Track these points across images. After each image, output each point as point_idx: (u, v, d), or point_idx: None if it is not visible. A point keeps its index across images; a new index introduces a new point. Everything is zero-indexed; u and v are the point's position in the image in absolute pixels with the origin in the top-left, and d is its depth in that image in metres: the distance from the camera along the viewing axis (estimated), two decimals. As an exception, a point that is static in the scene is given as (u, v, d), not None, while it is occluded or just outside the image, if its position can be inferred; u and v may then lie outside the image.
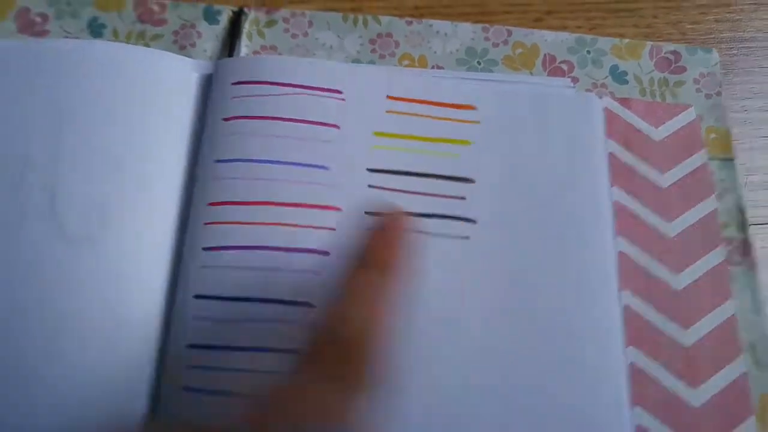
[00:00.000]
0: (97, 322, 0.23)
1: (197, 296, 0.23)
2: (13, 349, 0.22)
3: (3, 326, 0.23)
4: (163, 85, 0.26)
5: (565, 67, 0.30)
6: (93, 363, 0.22)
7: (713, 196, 0.28)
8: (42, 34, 0.28)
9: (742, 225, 0.27)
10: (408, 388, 0.22)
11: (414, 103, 0.25)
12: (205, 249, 0.24)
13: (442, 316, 0.23)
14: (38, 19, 0.28)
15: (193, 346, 0.23)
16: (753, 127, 0.30)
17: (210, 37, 0.29)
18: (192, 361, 0.22)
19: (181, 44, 0.29)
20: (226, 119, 0.26)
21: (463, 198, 0.24)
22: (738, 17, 0.32)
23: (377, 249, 0.20)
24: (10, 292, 0.23)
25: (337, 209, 0.23)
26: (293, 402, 0.16)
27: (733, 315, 0.26)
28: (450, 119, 0.25)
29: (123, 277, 0.24)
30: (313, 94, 0.25)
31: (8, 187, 0.24)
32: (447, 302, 0.23)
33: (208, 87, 0.27)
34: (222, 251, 0.23)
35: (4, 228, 0.24)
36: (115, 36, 0.28)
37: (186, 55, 0.28)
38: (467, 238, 0.24)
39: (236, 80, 0.26)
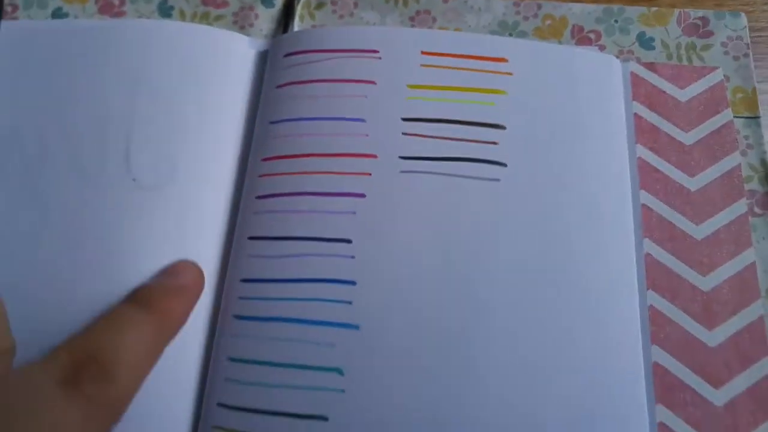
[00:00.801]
0: (163, 261, 0.26)
1: (251, 237, 0.26)
2: (86, 288, 0.26)
3: (78, 264, 0.26)
4: (225, 60, 0.30)
5: (592, 36, 0.31)
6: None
7: (737, 152, 0.29)
8: (119, 14, 0.32)
9: (765, 178, 0.28)
10: (441, 318, 0.24)
11: (448, 57, 0.28)
12: (258, 197, 0.27)
13: (473, 252, 0.25)
14: (116, 2, 0.32)
15: (246, 280, 0.26)
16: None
17: (266, 18, 0.32)
18: (246, 293, 0.25)
19: (241, 24, 0.32)
20: (278, 86, 0.29)
21: (495, 143, 0.26)
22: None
23: (154, 292, 0.23)
24: (86, 231, 0.27)
25: (374, 156, 0.26)
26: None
27: (752, 262, 0.27)
28: (484, 71, 0.28)
29: (187, 222, 0.27)
30: (352, 56, 0.28)
31: (91, 142, 0.28)
32: (478, 240, 0.25)
33: (263, 61, 0.30)
34: (273, 198, 0.27)
35: (85, 177, 0.27)
36: (182, 16, 0.32)
37: (245, 35, 0.31)
38: (498, 180, 0.26)
39: (287, 53, 0.29)
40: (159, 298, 0.23)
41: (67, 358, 0.19)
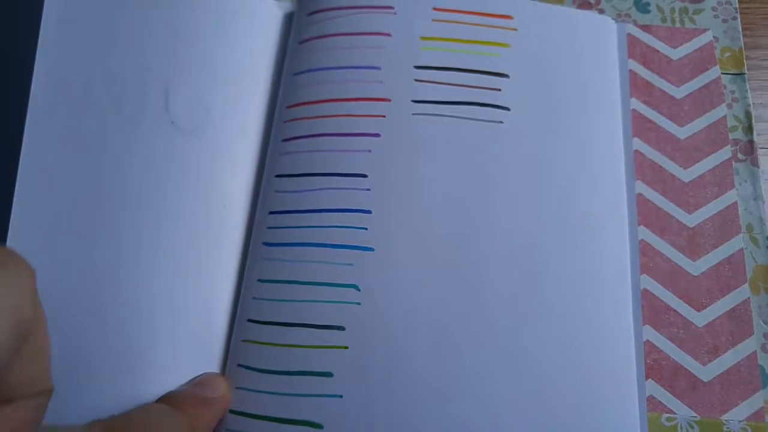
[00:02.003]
0: (196, 202, 0.29)
1: (278, 175, 0.29)
2: (130, 221, 0.29)
3: (122, 203, 0.29)
4: (255, 20, 0.33)
5: (592, 1, 0.34)
6: (192, 232, 0.29)
7: (723, 105, 0.31)
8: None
9: (749, 128, 0.31)
10: (446, 241, 0.27)
11: (458, 13, 0.30)
12: (284, 140, 0.30)
13: (477, 185, 0.28)
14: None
15: (273, 212, 0.28)
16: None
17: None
18: (274, 223, 0.28)
19: (269, -10, 0.35)
20: (301, 42, 0.32)
21: (498, 90, 0.29)
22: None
23: (185, 398, 0.24)
24: (128, 172, 0.29)
25: (387, 100, 0.29)
26: None
27: (734, 202, 0.29)
28: (490, 26, 0.30)
29: (221, 163, 0.30)
30: (369, 12, 0.30)
31: (133, 89, 0.31)
32: (482, 174, 0.28)
33: (289, 21, 0.33)
34: (297, 140, 0.29)
35: (127, 121, 0.30)
36: (216, -19, 0.35)
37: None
38: (501, 122, 0.29)
39: (310, 11, 0.32)
40: (190, 405, 0.24)
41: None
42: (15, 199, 0.30)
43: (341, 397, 0.25)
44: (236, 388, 0.26)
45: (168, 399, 0.24)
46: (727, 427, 0.25)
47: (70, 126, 0.30)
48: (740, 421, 0.25)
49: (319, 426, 0.24)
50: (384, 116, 0.29)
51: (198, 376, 0.26)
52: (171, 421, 0.22)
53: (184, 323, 0.27)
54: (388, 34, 0.30)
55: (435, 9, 0.30)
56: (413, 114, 0.29)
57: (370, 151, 0.28)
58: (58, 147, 0.30)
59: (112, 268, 0.28)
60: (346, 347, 0.25)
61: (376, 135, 0.28)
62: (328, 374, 0.25)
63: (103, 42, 0.31)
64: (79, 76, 0.31)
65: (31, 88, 0.31)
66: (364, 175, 0.28)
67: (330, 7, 0.31)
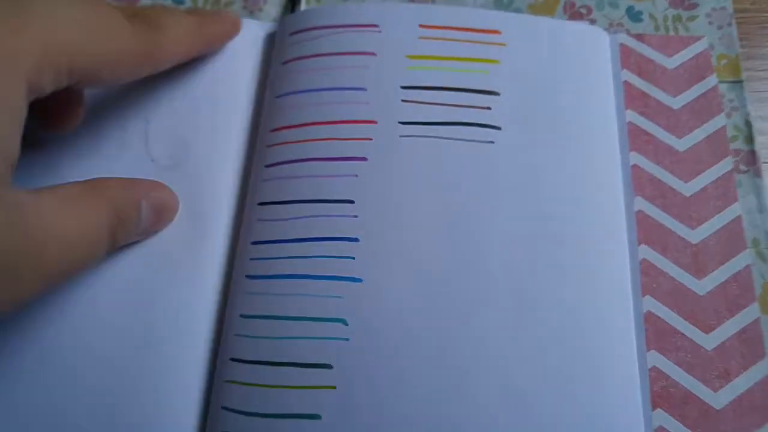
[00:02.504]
0: (179, 230, 0.28)
1: (261, 203, 0.28)
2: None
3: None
4: (236, 44, 0.32)
5: (584, 11, 0.33)
6: (171, 267, 0.27)
7: (722, 114, 0.30)
8: (132, 1, 0.34)
9: (750, 138, 0.29)
10: (438, 270, 0.26)
11: (444, 30, 0.29)
12: (267, 166, 0.28)
13: (469, 209, 0.26)
14: (132, -8, 0.34)
15: (256, 242, 0.27)
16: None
17: (274, 2, 0.34)
18: (256, 254, 0.27)
19: (250, 9, 0.34)
20: (284, 62, 0.30)
21: (489, 108, 0.28)
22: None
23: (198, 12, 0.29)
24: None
25: (373, 122, 0.28)
26: None
27: (738, 216, 0.28)
28: (478, 42, 0.29)
29: (201, 195, 0.29)
30: (353, 31, 0.29)
31: (112, 128, 0.30)
32: (474, 197, 0.26)
33: (271, 42, 0.32)
34: (281, 165, 0.28)
35: (105, 158, 0.29)
36: (194, 3, 0.34)
37: (254, 19, 0.33)
38: (492, 142, 0.27)
39: (292, 31, 0.31)
40: (203, 13, 0.29)
41: (129, 10, 0.25)
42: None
43: (331, 440, 0.23)
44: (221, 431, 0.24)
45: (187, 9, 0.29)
46: (743, 459, 0.24)
47: (45, 167, 0.29)
48: (756, 451, 0.24)
49: (309, 472, 0.23)
50: (370, 139, 0.27)
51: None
52: (183, 15, 0.27)
53: (161, 364, 0.26)
54: (373, 54, 0.29)
55: (421, 26, 0.29)
56: (401, 136, 0.27)
57: (356, 175, 0.27)
58: (33, 182, 0.29)
59: (93, 307, 0.27)
60: (334, 387, 0.24)
61: (363, 159, 0.27)
62: (316, 416, 0.24)
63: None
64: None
65: None
66: (351, 201, 0.27)
67: (313, 26, 0.30)
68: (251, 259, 0.27)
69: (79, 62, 0.21)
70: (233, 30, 0.30)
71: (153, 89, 0.30)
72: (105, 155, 0.29)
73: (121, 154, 0.29)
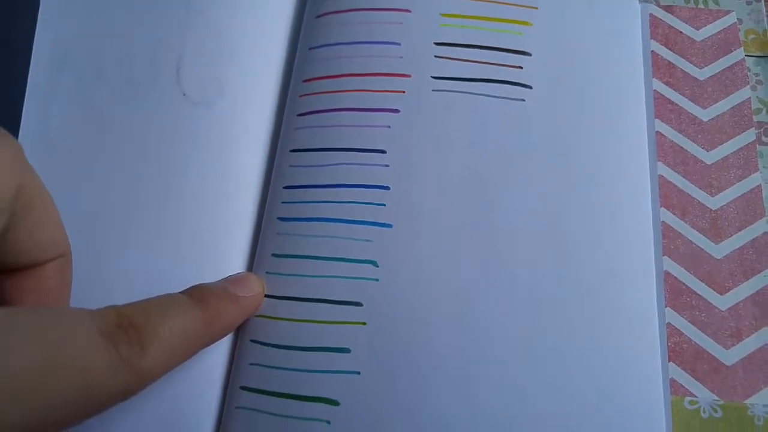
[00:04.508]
0: (210, 173, 0.29)
1: (293, 150, 0.29)
2: (142, 196, 0.28)
3: (132, 174, 0.29)
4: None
5: (615, -20, 0.33)
6: (202, 205, 0.28)
7: (747, 87, 0.30)
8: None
9: (773, 111, 0.30)
10: (464, 218, 0.26)
11: (479, -10, 0.30)
12: (299, 115, 0.29)
13: (497, 163, 0.27)
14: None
15: (288, 187, 0.28)
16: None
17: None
18: (288, 198, 0.28)
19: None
20: (318, 16, 0.31)
21: (520, 68, 0.28)
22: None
23: (212, 292, 0.23)
24: (139, 143, 0.29)
25: (407, 76, 0.28)
26: None
27: (758, 185, 0.29)
28: (512, 4, 0.30)
29: (233, 135, 0.29)
30: (391, -13, 0.30)
31: (144, 63, 0.30)
32: (502, 152, 0.27)
33: (303, -4, 0.32)
34: (314, 115, 0.29)
35: (138, 93, 0.30)
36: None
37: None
38: (523, 100, 0.28)
39: (327, -15, 0.32)
40: (216, 300, 0.23)
41: (113, 316, 0.19)
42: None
43: (359, 373, 0.24)
44: (249, 364, 0.25)
45: (194, 290, 0.23)
46: (752, 411, 0.25)
47: (78, 99, 0.30)
48: (765, 405, 0.25)
49: (336, 403, 0.24)
50: (403, 92, 0.28)
51: (233, 274, 0.26)
52: (188, 314, 0.22)
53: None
54: (408, 10, 0.29)
55: (457, -15, 0.30)
56: (433, 90, 0.28)
57: (389, 126, 0.28)
58: (64, 117, 0.30)
59: (122, 240, 0.28)
60: (364, 323, 0.25)
61: (396, 110, 0.28)
62: (346, 350, 0.24)
63: (113, 14, 0.31)
64: (86, 51, 0.30)
65: (32, 60, 0.31)
66: (383, 151, 0.27)
67: (348, -19, 0.31)
68: (283, 202, 0.28)
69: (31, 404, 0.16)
70: (255, 307, 0.26)
71: (185, 27, 0.30)
72: (135, 88, 0.30)
73: (153, 87, 0.30)
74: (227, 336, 0.26)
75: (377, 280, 0.25)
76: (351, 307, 0.25)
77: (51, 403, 0.17)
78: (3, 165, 0.18)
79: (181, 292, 0.23)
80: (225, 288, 0.24)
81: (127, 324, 0.19)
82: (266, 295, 0.26)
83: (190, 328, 0.21)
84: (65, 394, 0.17)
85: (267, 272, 0.27)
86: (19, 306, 0.21)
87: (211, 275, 0.27)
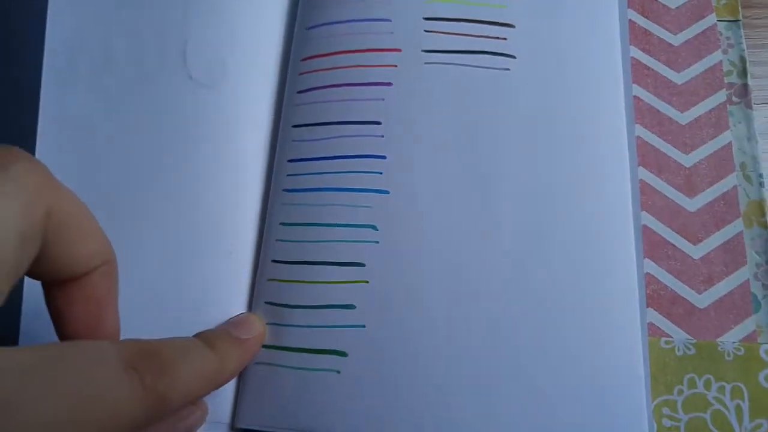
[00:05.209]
0: (216, 152, 0.31)
1: (294, 126, 0.31)
2: (149, 173, 0.30)
3: (142, 151, 0.31)
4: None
5: (594, -48, 0.35)
6: (212, 181, 0.30)
7: (719, 50, 0.32)
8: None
9: (744, 72, 0.32)
10: (457, 181, 0.28)
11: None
12: (299, 92, 0.31)
13: (485, 129, 0.29)
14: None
15: (292, 160, 0.30)
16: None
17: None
18: (292, 170, 0.30)
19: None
20: (313, -3, 0.33)
21: (504, 39, 0.30)
22: None
23: (218, 336, 0.24)
24: (148, 123, 0.31)
25: (398, 50, 0.30)
26: None
27: (729, 142, 0.31)
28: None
29: (240, 113, 0.31)
30: (381, -36, 0.31)
31: (151, 45, 0.32)
32: (490, 119, 0.29)
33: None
34: (312, 91, 0.31)
35: (146, 75, 0.32)
36: None
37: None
38: (508, 69, 0.30)
39: (320, -33, 0.33)
40: (222, 344, 0.24)
41: (136, 348, 0.20)
42: (36, 153, 0.31)
43: (364, 327, 0.27)
44: (266, 324, 0.28)
45: (201, 336, 0.25)
46: (722, 348, 0.27)
47: (90, 82, 0.32)
48: (734, 342, 0.27)
49: (344, 354, 0.26)
50: (395, 66, 0.30)
51: (234, 317, 0.28)
52: (203, 355, 0.23)
53: (209, 266, 0.29)
54: None
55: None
56: (424, 63, 0.30)
57: (382, 99, 0.30)
58: (79, 102, 0.32)
59: (133, 218, 0.30)
60: (367, 281, 0.27)
61: (389, 84, 0.30)
62: (351, 306, 0.27)
63: (120, 1, 0.32)
64: (97, 33, 0.32)
65: (46, 47, 0.32)
66: (378, 122, 0.29)
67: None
68: (288, 175, 0.30)
69: None
70: (258, 347, 0.27)
71: (189, 9, 0.32)
72: (145, 72, 0.31)
73: (161, 69, 0.32)
74: (244, 296, 0.28)
75: (377, 242, 0.28)
76: (354, 267, 0.27)
77: None
78: (28, 192, 0.18)
79: (189, 337, 0.24)
80: (228, 332, 0.26)
81: (150, 354, 0.20)
82: (276, 261, 0.28)
83: (205, 368, 0.22)
84: (101, 427, 0.18)
85: (276, 240, 0.29)
86: (59, 323, 0.22)
87: (223, 247, 0.29)
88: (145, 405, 0.19)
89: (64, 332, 0.22)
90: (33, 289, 0.23)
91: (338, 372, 0.26)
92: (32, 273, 0.20)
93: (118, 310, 0.23)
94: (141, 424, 0.19)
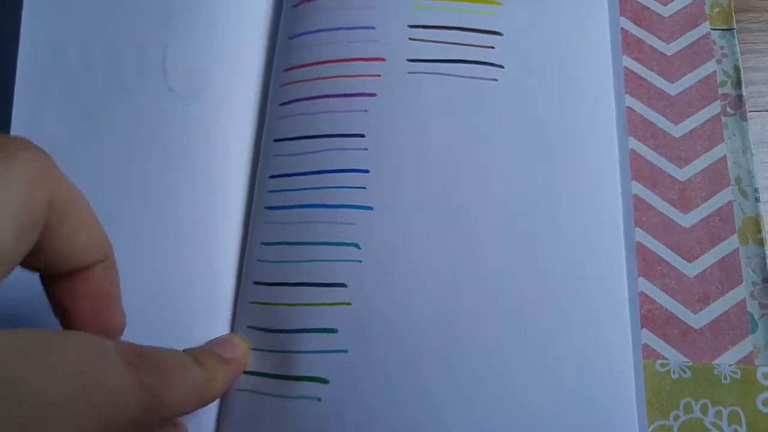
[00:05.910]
0: (198, 162, 0.29)
1: (276, 140, 0.29)
2: (132, 189, 0.29)
3: (122, 164, 0.29)
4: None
5: (584, -42, 0.34)
6: (193, 197, 0.29)
7: (713, 60, 0.32)
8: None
9: (738, 83, 0.31)
10: (444, 198, 0.27)
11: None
12: (281, 104, 0.30)
13: (473, 141, 0.28)
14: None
15: (273, 176, 0.29)
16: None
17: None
18: (274, 186, 0.29)
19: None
20: (295, 5, 0.32)
21: (492, 47, 0.29)
22: None
23: (204, 354, 0.24)
24: (127, 137, 0.30)
25: (382, 60, 0.29)
26: None
27: (724, 155, 0.30)
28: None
29: (222, 124, 0.30)
30: (363, -27, 0.30)
31: (130, 55, 0.31)
32: (477, 131, 0.28)
33: (281, -15, 0.33)
34: (295, 103, 0.30)
35: (125, 87, 0.30)
36: None
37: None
38: (495, 80, 0.29)
39: (302, -26, 0.32)
40: (208, 360, 0.24)
41: (134, 348, 0.20)
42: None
43: (346, 351, 0.25)
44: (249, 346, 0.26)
45: (188, 353, 0.24)
46: (719, 371, 0.26)
47: (67, 94, 0.30)
48: (730, 365, 0.26)
49: (326, 381, 0.25)
50: (379, 75, 0.29)
51: (217, 337, 0.27)
52: (194, 369, 0.22)
53: (190, 286, 0.28)
54: None
55: (430, -33, 0.30)
56: (409, 73, 0.29)
57: (366, 110, 0.28)
58: (55, 115, 0.30)
59: (115, 232, 0.29)
60: (350, 303, 0.26)
61: (372, 95, 0.29)
62: (333, 330, 0.26)
63: (99, 8, 0.31)
64: (75, 42, 0.31)
65: (19, 58, 0.31)
66: (362, 135, 0.28)
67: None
68: (269, 191, 0.29)
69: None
70: (242, 367, 0.26)
71: (169, 19, 0.31)
72: (124, 83, 0.30)
73: (140, 81, 0.30)
74: (226, 319, 0.27)
75: (360, 261, 0.26)
76: (336, 288, 0.26)
77: (87, 426, 0.17)
78: (32, 180, 0.18)
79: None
80: (212, 350, 0.25)
81: (148, 356, 0.20)
82: (258, 282, 0.27)
83: (196, 381, 0.22)
84: (99, 414, 0.17)
85: (258, 260, 0.28)
86: (64, 313, 0.22)
87: (203, 266, 0.28)
88: (142, 403, 0.19)
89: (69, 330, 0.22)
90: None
91: (319, 399, 0.25)
92: (32, 264, 0.20)
93: (122, 307, 0.23)
94: (134, 424, 0.19)
